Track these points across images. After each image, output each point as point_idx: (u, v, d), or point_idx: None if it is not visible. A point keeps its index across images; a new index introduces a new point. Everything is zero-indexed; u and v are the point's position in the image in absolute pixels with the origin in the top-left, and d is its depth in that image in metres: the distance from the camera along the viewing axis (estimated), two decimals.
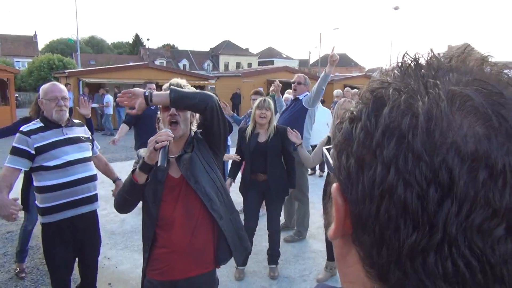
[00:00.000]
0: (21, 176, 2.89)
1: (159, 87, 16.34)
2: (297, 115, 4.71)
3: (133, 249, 4.51)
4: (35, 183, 2.71)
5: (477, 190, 0.33)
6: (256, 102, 3.81)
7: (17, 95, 27.25)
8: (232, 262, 3.92)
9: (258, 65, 61.42)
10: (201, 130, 2.21)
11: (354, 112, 0.42)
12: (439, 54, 0.43)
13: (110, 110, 14.76)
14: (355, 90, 13.50)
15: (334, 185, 0.43)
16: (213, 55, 60.86)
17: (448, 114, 0.36)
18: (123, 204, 2.07)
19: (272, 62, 62.11)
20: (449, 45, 39.36)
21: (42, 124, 2.75)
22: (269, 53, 66.18)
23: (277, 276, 3.91)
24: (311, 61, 62.64)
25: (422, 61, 0.42)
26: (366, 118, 0.40)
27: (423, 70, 0.41)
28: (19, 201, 2.81)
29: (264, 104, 3.75)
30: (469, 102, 0.36)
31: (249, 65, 60.03)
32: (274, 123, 3.90)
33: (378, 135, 0.38)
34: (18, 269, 3.90)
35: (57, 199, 2.68)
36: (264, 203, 4.10)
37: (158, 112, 2.23)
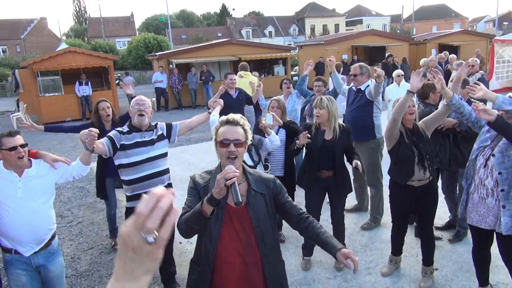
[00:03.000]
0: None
1: (241, 62, 16.69)
2: (364, 108, 4.67)
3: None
4: (121, 177, 3.56)
5: None
6: (314, 102, 3.90)
7: (119, 74, 29.95)
8: (299, 251, 4.18)
9: (346, 25, 58.86)
10: None
11: None
12: None
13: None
14: (453, 56, 11.74)
15: None
16: (299, 19, 59.57)
17: None
18: (190, 232, 2.18)
19: (360, 21, 59.06)
20: None
21: (128, 129, 3.51)
22: (357, 11, 62.77)
23: (342, 267, 4.06)
24: (404, 16, 58.21)
25: None
26: None
27: None
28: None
29: (317, 103, 3.85)
30: None
31: (336, 26, 57.79)
32: (340, 120, 3.93)
33: None
34: (113, 242, 4.91)
35: (136, 190, 3.47)
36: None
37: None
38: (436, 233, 4.24)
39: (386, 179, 4.92)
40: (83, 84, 14.69)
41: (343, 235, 4.16)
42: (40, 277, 2.98)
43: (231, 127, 2.19)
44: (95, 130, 2.92)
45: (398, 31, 44.56)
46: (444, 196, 4.57)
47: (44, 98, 14.99)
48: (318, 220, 4.08)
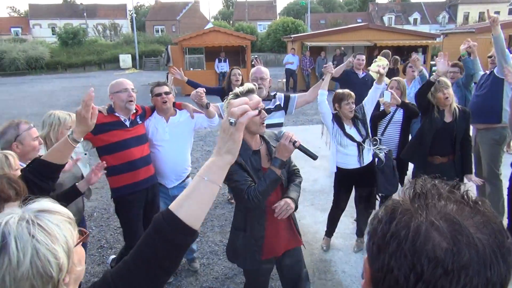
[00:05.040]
0: None
1: (377, 48, 16.08)
2: (493, 90, 4.22)
3: (317, 207, 5.14)
4: None
5: (436, 280, 0.65)
6: (433, 88, 3.68)
7: (256, 55, 31.49)
8: (353, 233, 4.10)
9: (509, 14, 51.45)
10: None
11: (379, 216, 0.74)
12: (435, 187, 0.75)
13: None
14: None
15: (365, 256, 0.79)
16: (451, 5, 54.11)
17: (427, 233, 0.68)
18: (265, 199, 2.38)
19: None
20: None
21: None
22: None
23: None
24: None
25: (426, 191, 0.74)
26: (384, 224, 0.72)
27: (421, 200, 0.73)
28: None
29: (440, 86, 3.61)
30: (440, 228, 0.68)
31: (496, 14, 50.94)
32: (456, 103, 3.69)
33: (388, 236, 0.70)
34: (229, 196, 5.50)
35: None
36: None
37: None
38: None
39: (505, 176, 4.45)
40: (222, 61, 15.95)
41: None
42: None
43: (253, 96, 2.26)
44: (200, 90, 3.39)
45: None
46: None
47: (189, 72, 16.71)
48: None
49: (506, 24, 18.88)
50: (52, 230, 0.97)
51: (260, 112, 2.26)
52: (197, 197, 1.06)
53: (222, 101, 4.39)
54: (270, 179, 2.28)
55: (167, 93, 3.39)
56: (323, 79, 3.99)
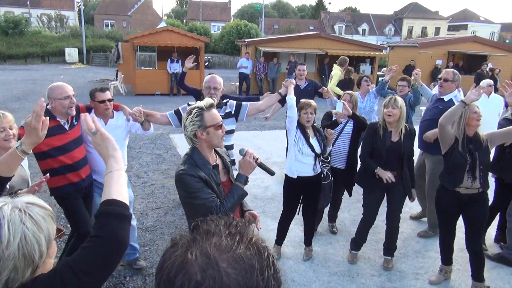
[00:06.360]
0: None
1: (328, 57, 16.53)
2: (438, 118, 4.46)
3: (268, 215, 5.19)
4: None
5: None
6: (386, 101, 3.84)
7: (209, 57, 31.31)
8: (349, 245, 4.22)
9: (448, 30, 55.02)
10: None
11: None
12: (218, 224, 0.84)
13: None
14: None
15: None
16: (397, 18, 56.96)
17: (181, 265, 0.76)
18: (234, 211, 2.42)
19: (465, 27, 54.83)
20: None
21: None
22: (463, 16, 58.29)
23: (391, 268, 4.04)
24: None
25: (207, 227, 0.82)
26: (163, 255, 0.81)
27: (194, 235, 0.81)
28: None
29: (391, 102, 3.74)
30: (193, 261, 0.74)
31: (437, 30, 54.36)
32: (405, 123, 3.86)
33: (159, 266, 0.79)
34: None
35: None
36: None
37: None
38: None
39: None
40: (175, 62, 15.67)
41: (396, 238, 4.08)
42: None
43: (215, 110, 2.33)
44: (137, 112, 3.49)
45: (507, 41, 40.60)
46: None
47: (139, 71, 16.30)
48: (374, 220, 4.08)
49: (446, 41, 20.20)
50: (39, 220, 1.13)
51: (221, 126, 2.31)
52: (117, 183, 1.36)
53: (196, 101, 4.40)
54: (237, 195, 2.31)
55: (110, 100, 3.51)
56: (279, 93, 4.14)
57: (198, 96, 5.39)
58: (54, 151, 3.18)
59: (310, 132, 3.90)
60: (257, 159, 2.31)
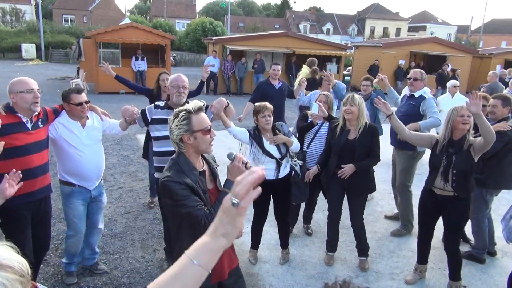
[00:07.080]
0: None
1: (295, 55, 16.63)
2: (412, 117, 4.52)
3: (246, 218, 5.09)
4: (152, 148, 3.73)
5: None
6: (344, 99, 3.86)
7: (174, 55, 30.77)
8: (323, 246, 4.19)
9: (408, 31, 56.86)
10: None
11: None
12: None
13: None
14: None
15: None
16: (360, 19, 58.25)
17: None
18: None
19: (424, 28, 56.85)
20: None
21: (163, 105, 3.66)
22: (422, 17, 60.40)
23: (367, 268, 4.04)
24: (473, 27, 55.29)
25: None
26: None
27: None
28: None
29: (348, 100, 3.78)
30: None
31: (398, 30, 56.04)
32: (367, 120, 3.88)
33: None
34: (150, 200, 5.47)
35: (160, 162, 3.54)
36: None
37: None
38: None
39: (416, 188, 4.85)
40: (139, 59, 15.24)
41: (364, 238, 4.07)
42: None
43: (203, 114, 2.23)
44: (136, 113, 3.50)
45: (463, 42, 42.35)
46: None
47: (102, 68, 15.72)
48: (339, 217, 4.08)
49: (408, 42, 20.78)
50: None
51: (210, 130, 2.22)
52: (181, 282, 0.93)
53: (151, 103, 4.18)
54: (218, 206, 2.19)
55: (87, 102, 3.35)
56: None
57: (151, 96, 5.21)
58: (9, 151, 2.76)
59: (265, 136, 3.78)
60: (247, 163, 2.17)
